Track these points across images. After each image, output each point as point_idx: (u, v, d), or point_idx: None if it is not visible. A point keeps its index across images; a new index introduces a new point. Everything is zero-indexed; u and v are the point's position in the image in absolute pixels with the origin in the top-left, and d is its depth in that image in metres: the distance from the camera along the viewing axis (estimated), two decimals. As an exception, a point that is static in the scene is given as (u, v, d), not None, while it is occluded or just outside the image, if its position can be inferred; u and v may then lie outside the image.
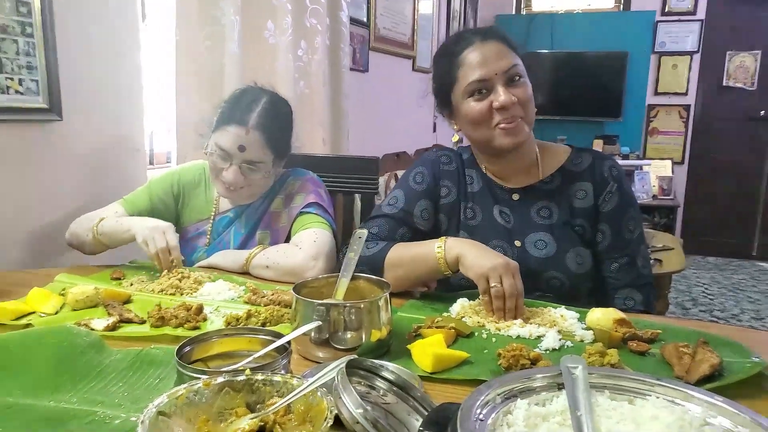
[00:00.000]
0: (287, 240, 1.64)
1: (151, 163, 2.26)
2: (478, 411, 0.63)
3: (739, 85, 5.82)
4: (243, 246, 1.66)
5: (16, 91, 1.60)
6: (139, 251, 1.52)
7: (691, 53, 5.89)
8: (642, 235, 1.43)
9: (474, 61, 1.35)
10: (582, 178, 1.42)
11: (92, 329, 1.08)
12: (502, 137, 1.35)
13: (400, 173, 1.59)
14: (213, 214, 1.71)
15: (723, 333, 1.08)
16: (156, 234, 1.46)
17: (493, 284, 1.17)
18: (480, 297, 1.22)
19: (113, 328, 1.11)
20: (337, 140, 2.89)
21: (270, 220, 1.69)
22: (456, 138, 1.50)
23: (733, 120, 5.88)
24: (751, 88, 5.79)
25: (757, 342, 1.05)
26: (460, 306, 1.26)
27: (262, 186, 1.66)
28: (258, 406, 0.73)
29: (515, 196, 1.46)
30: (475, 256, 1.22)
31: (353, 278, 1.12)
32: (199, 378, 0.74)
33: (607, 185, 1.40)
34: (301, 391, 0.70)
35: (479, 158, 1.51)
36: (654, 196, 5.72)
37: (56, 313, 1.20)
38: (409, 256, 1.34)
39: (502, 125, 1.34)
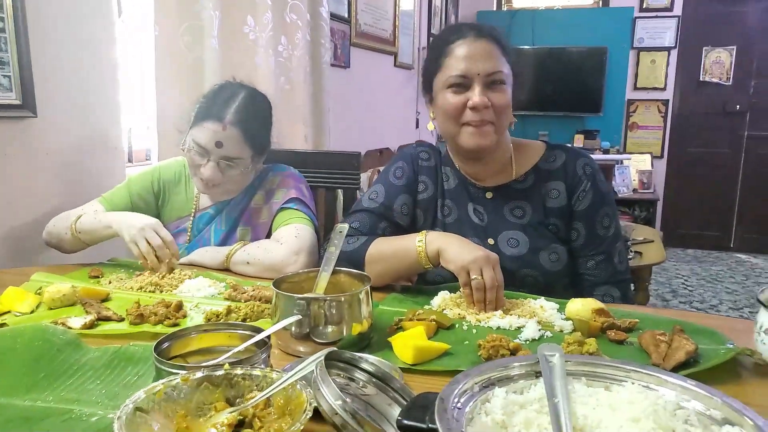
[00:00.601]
0: (268, 236, 1.63)
1: (129, 160, 2.24)
2: (456, 400, 0.63)
3: (715, 80, 5.90)
4: (224, 242, 1.65)
5: (-11, 88, 1.57)
6: (119, 249, 1.50)
7: (668, 49, 5.96)
8: (618, 232, 1.43)
9: (460, 55, 1.35)
10: (555, 177, 1.43)
11: (69, 328, 1.07)
12: (467, 137, 1.35)
13: (382, 169, 1.60)
14: (193, 211, 1.70)
15: (699, 321, 1.10)
16: (148, 233, 1.45)
17: (473, 276, 1.18)
18: (461, 289, 1.22)
19: (91, 326, 1.10)
20: (318, 136, 2.88)
21: (251, 216, 1.68)
22: (431, 126, 1.50)
23: (711, 114, 5.96)
24: (726, 83, 5.87)
25: (731, 329, 1.07)
26: (441, 298, 1.26)
27: (240, 182, 1.65)
28: (237, 401, 0.73)
29: (489, 195, 1.46)
30: (456, 249, 1.23)
31: (334, 272, 1.12)
32: (178, 373, 0.73)
33: (580, 184, 1.41)
34: (279, 384, 0.69)
35: (454, 158, 1.51)
36: (634, 190, 5.80)
37: (32, 312, 1.19)
38: (389, 251, 1.34)
39: (470, 126, 1.34)
